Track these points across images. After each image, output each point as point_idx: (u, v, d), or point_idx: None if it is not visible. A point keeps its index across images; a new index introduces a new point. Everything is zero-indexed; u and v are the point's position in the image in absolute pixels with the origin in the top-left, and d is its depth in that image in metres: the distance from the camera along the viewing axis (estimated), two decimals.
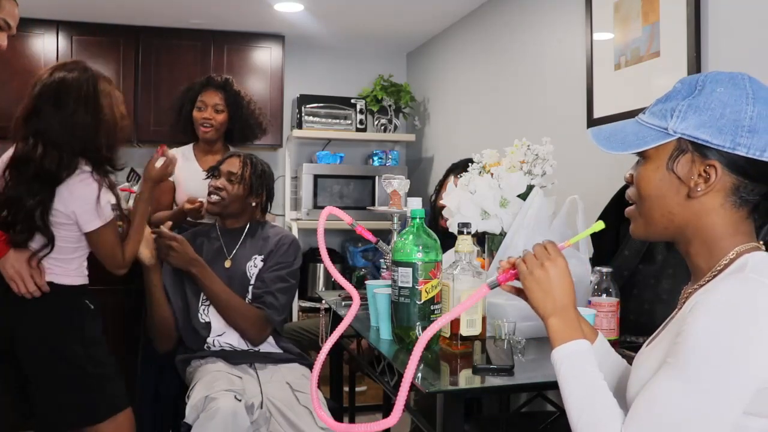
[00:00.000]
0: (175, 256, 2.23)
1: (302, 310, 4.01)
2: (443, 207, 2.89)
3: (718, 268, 1.06)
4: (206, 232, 2.47)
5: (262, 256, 2.37)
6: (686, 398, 0.95)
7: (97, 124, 1.99)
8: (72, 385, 2.00)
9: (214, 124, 2.92)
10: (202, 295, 2.32)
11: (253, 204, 2.41)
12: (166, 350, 2.37)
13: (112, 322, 3.47)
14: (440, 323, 1.19)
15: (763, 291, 0.96)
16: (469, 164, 2.96)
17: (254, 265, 2.37)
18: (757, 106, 1.02)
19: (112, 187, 2.06)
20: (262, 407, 2.09)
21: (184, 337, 2.34)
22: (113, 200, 2.07)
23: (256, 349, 2.32)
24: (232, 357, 2.28)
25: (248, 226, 2.44)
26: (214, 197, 2.38)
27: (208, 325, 2.31)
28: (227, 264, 2.37)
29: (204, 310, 2.32)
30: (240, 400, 1.98)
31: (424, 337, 1.15)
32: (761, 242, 1.09)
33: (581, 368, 1.09)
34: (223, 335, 2.30)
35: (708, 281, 1.07)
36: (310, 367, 2.42)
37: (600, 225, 1.20)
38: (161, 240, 2.24)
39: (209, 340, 2.30)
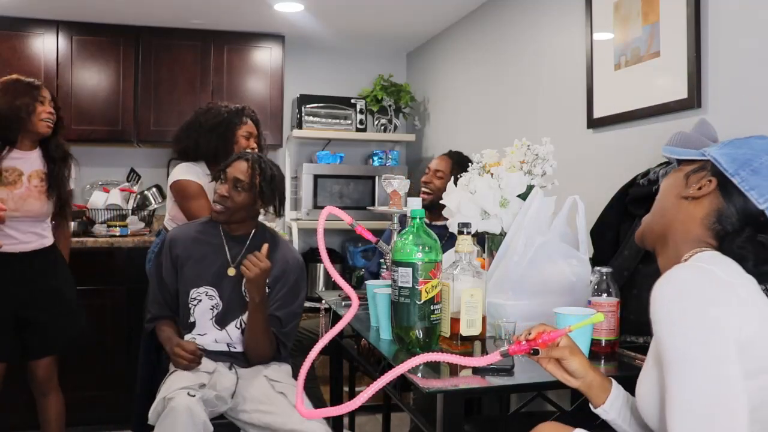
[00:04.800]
0: (257, 277, 2.14)
1: (302, 310, 4.00)
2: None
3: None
4: (207, 238, 2.37)
5: (267, 280, 2.26)
6: (695, 392, 1.01)
7: None
8: None
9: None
10: (191, 293, 2.30)
11: (262, 211, 2.34)
12: None
13: (113, 318, 3.51)
14: (436, 357, 1.22)
15: (698, 270, 1.08)
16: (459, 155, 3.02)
17: None
18: None
19: None
20: (233, 397, 2.15)
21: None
22: None
23: (237, 350, 2.31)
24: (211, 355, 2.28)
25: (253, 233, 2.36)
26: (219, 206, 2.27)
27: (192, 324, 2.31)
28: (231, 272, 2.30)
29: (192, 309, 2.30)
30: (194, 396, 2.01)
31: (412, 361, 1.18)
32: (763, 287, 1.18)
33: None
34: (204, 336, 2.30)
35: None
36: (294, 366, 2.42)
37: (600, 317, 1.29)
38: (255, 259, 2.15)
39: (187, 337, 2.30)
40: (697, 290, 1.05)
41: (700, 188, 1.20)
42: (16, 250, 2.54)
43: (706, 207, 1.19)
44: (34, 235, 2.60)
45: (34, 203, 2.55)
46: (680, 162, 1.28)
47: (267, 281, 2.22)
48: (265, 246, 2.19)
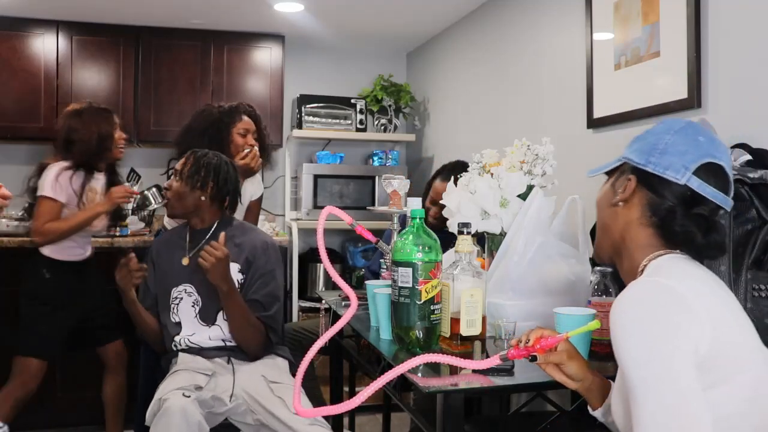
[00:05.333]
0: (214, 267, 2.14)
1: (302, 310, 4.00)
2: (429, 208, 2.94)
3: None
4: (177, 237, 2.43)
5: (239, 266, 2.30)
6: (657, 407, 1.02)
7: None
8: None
9: (257, 150, 2.87)
10: (172, 293, 2.31)
11: (203, 198, 2.32)
12: (162, 351, 2.39)
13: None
14: (435, 358, 1.23)
15: (651, 286, 1.09)
16: (461, 167, 2.97)
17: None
18: (676, 136, 1.20)
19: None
20: (231, 399, 2.14)
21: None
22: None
23: (233, 344, 2.30)
24: (209, 352, 2.28)
25: (215, 225, 2.37)
26: (165, 199, 2.38)
27: (177, 325, 2.31)
28: (185, 261, 2.32)
29: (174, 309, 2.31)
30: (189, 396, 2.00)
31: (411, 362, 1.19)
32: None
33: None
34: (193, 335, 2.30)
35: None
36: (291, 362, 2.41)
37: (596, 324, 1.30)
38: (211, 248, 2.15)
39: (177, 338, 2.30)
40: (652, 308, 1.06)
41: (624, 190, 1.23)
42: (79, 259, 2.92)
43: (638, 205, 1.21)
44: (90, 245, 3.00)
45: (102, 217, 2.90)
46: (608, 176, 1.31)
47: (241, 269, 2.29)
48: (222, 235, 2.22)
